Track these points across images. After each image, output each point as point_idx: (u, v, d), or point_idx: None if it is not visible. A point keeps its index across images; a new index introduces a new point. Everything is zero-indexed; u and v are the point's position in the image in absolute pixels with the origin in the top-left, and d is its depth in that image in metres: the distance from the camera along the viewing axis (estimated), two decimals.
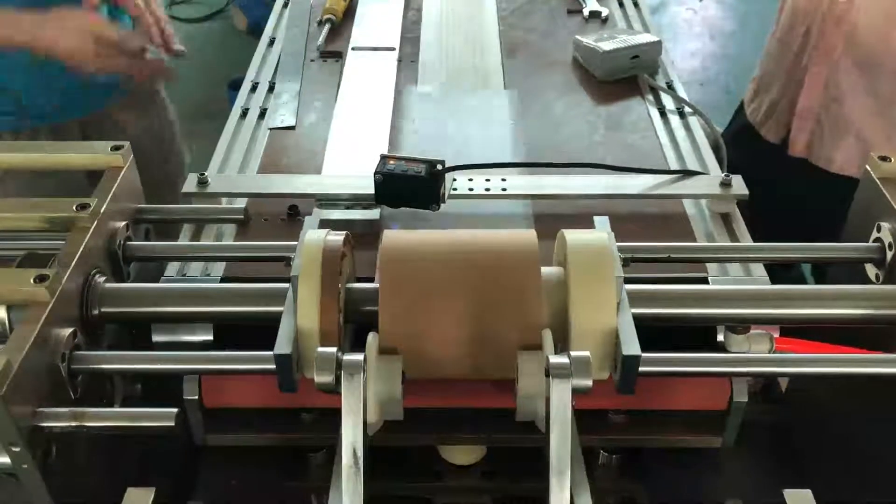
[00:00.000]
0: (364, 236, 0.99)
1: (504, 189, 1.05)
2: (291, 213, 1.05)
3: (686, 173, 1.08)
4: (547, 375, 0.67)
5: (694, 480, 0.90)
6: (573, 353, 0.68)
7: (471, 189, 1.05)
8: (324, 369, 0.68)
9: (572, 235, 0.79)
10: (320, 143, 1.18)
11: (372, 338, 0.74)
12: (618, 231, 0.82)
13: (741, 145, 1.53)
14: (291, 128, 1.23)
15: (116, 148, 0.91)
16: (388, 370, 0.73)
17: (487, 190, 1.05)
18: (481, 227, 1.01)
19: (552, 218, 1.05)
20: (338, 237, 0.79)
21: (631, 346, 0.73)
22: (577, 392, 0.67)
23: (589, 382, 0.67)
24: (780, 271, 1.04)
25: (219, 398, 0.88)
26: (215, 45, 4.01)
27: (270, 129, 1.23)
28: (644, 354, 0.73)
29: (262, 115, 1.26)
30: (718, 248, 0.96)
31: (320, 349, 0.70)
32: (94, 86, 1.44)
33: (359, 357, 0.69)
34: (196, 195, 1.05)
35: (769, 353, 0.85)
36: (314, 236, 0.78)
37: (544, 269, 0.77)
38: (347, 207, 1.04)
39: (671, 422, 0.90)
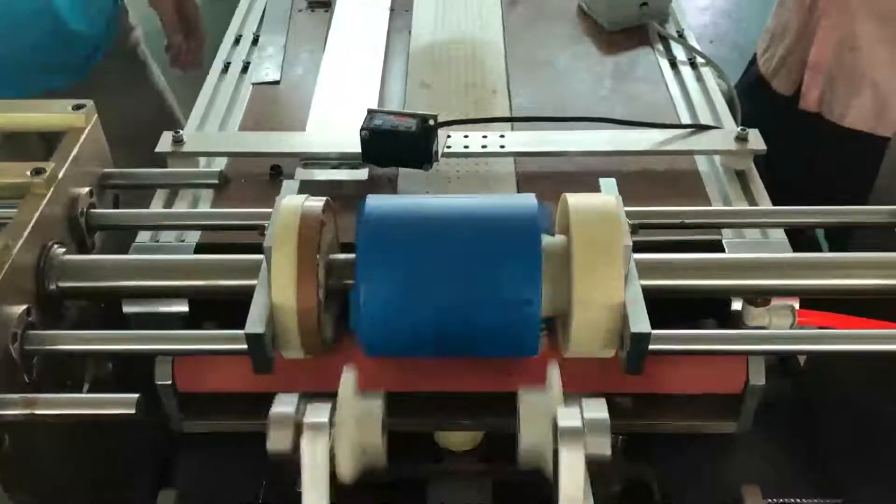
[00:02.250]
0: (352, 199, 0.91)
1: (502, 146, 0.97)
2: (274, 173, 0.98)
3: (698, 127, 1.00)
4: (555, 437, 0.58)
5: (707, 466, 0.84)
6: (588, 414, 0.58)
7: (466, 147, 0.97)
8: (279, 431, 0.60)
9: (576, 199, 0.72)
10: (306, 99, 1.10)
11: (348, 377, 0.65)
12: (625, 191, 0.75)
13: (752, 98, 1.45)
14: (276, 82, 1.15)
15: (78, 107, 0.83)
16: (366, 416, 0.64)
17: (484, 147, 0.97)
18: (477, 188, 0.96)
19: (553, 177, 0.98)
20: (317, 203, 0.71)
21: (640, 322, 0.66)
22: (593, 461, 0.57)
23: (607, 451, 0.57)
24: (790, 235, 0.98)
25: (195, 382, 0.81)
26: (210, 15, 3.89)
27: (253, 84, 1.15)
28: (654, 332, 0.66)
29: (246, 69, 1.18)
30: (735, 212, 0.89)
31: (274, 409, 0.62)
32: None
33: (322, 417, 0.60)
34: (171, 155, 0.98)
35: (792, 327, 0.77)
36: (291, 202, 0.71)
37: (545, 239, 0.69)
38: (334, 167, 0.96)
39: (681, 405, 0.83)
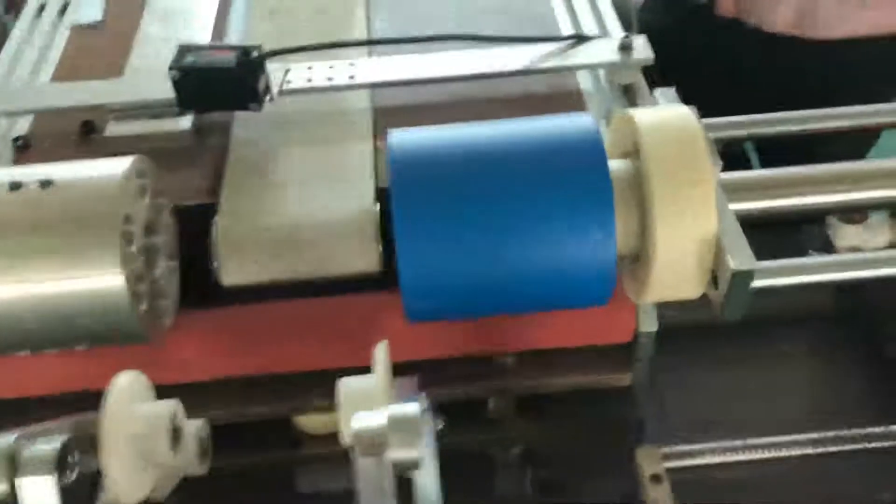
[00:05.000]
0: (177, 154, 0.78)
1: (352, 77, 0.83)
2: (86, 130, 0.83)
3: (578, 39, 0.86)
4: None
5: (600, 424, 0.74)
6: (394, 411, 0.46)
7: (309, 80, 0.83)
8: None
9: (644, 115, 0.60)
10: (132, 41, 0.95)
11: (118, 387, 0.52)
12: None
13: (663, 7, 1.33)
14: (98, 24, 0.99)
15: None
16: (146, 429, 0.51)
17: (330, 80, 0.83)
18: (323, 129, 0.83)
19: (418, 110, 0.84)
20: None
21: (742, 258, 0.54)
22: (402, 468, 0.46)
23: (415, 454, 0.45)
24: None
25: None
26: None
27: (72, 26, 0.99)
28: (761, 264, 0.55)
29: (64, 10, 1.02)
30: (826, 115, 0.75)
31: None
32: None
33: (47, 447, 0.46)
34: None
35: (890, 243, 0.69)
36: None
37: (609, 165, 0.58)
38: (154, 117, 0.82)
39: (568, 360, 0.72)
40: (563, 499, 0.69)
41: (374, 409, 0.49)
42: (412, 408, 0.45)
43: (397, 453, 0.44)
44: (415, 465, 0.44)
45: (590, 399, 0.75)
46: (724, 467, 0.73)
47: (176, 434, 0.52)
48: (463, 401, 0.73)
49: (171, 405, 0.53)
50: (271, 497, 0.76)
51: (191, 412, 0.59)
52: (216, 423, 0.71)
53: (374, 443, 0.43)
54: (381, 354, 0.52)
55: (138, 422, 0.51)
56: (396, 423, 0.44)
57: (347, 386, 0.52)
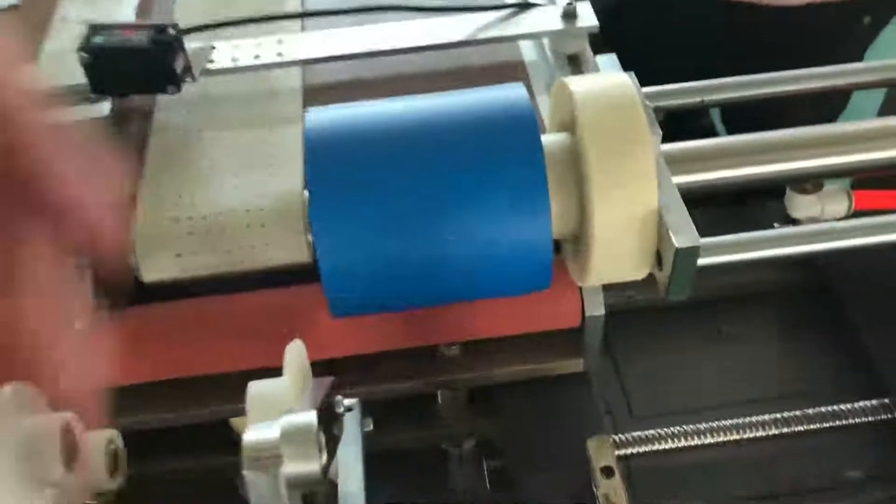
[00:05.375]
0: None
1: (280, 54, 0.78)
2: None
3: (519, 6, 0.81)
4: None
5: (557, 415, 0.70)
6: (287, 421, 0.41)
7: (235, 59, 0.78)
8: None
9: (580, 83, 0.55)
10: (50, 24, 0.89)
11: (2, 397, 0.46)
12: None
13: None
14: (15, 7, 0.93)
15: None
16: (35, 446, 0.45)
17: (257, 58, 0.78)
18: (250, 110, 0.78)
19: (352, 86, 0.80)
20: None
21: (685, 234, 0.50)
22: (300, 483, 0.41)
23: (313, 467, 0.40)
24: (687, 119, 0.82)
25: None
26: None
27: None
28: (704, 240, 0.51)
29: None
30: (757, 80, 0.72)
31: None
32: None
33: None
34: None
35: (848, 212, 0.66)
36: None
37: (543, 139, 0.54)
38: (74, 104, 0.76)
39: (516, 349, 0.68)
40: (515, 496, 0.65)
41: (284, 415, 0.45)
42: (308, 417, 0.40)
43: (292, 468, 0.39)
44: (314, 480, 0.39)
45: (545, 389, 0.71)
46: (685, 452, 0.69)
47: (71, 449, 0.48)
48: (410, 397, 0.69)
49: (63, 417, 0.48)
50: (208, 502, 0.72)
51: (116, 419, 0.54)
52: (146, 429, 0.67)
53: (266, 456, 0.39)
54: (292, 354, 0.48)
55: (22, 438, 0.46)
56: (289, 435, 0.39)
57: (255, 390, 0.48)
